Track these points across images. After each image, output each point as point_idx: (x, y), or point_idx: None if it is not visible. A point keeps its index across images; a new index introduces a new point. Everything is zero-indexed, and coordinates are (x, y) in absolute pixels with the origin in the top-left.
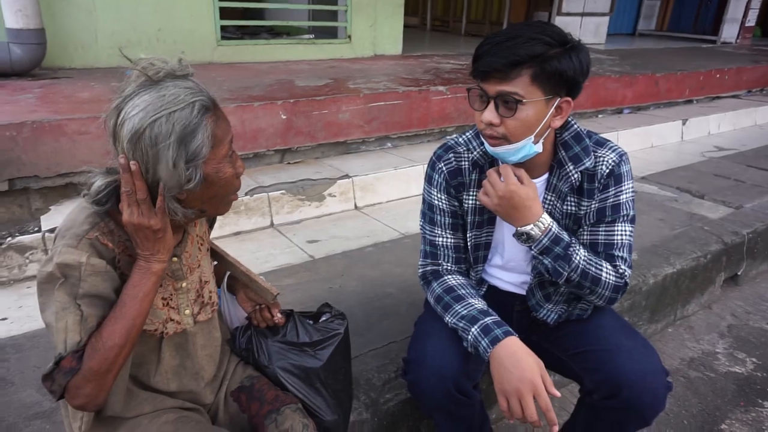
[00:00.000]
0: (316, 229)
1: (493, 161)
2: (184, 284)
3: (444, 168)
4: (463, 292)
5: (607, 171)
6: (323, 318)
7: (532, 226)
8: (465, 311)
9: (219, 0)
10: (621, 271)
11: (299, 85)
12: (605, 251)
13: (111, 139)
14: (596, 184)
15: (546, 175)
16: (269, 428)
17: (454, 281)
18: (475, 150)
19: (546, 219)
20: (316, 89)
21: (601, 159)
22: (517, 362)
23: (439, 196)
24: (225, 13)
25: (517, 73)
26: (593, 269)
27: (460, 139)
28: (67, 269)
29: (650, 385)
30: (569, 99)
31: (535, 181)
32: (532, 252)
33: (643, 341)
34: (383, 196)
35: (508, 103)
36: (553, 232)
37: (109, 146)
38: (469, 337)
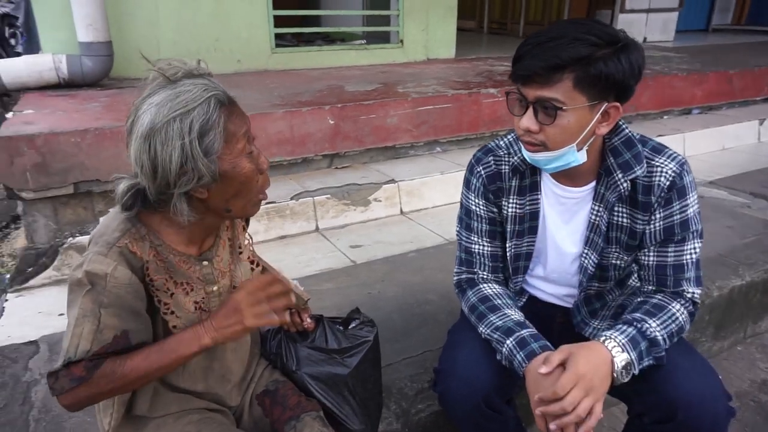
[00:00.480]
0: (360, 234)
1: (534, 168)
2: (215, 288)
3: (483, 172)
4: (499, 302)
5: (668, 183)
6: (352, 324)
7: (618, 371)
8: (500, 322)
9: (273, 9)
10: (689, 296)
11: (348, 90)
12: (674, 275)
13: (126, 138)
14: (653, 198)
15: (593, 184)
16: None
17: (489, 290)
18: (516, 154)
19: (615, 353)
20: (365, 94)
21: (659, 169)
22: (554, 380)
23: (476, 201)
24: (280, 21)
25: (559, 78)
26: (672, 325)
27: (501, 143)
28: (95, 278)
29: (710, 409)
30: (618, 104)
31: (580, 189)
32: (635, 371)
33: (702, 360)
34: (429, 201)
35: (548, 110)
36: (624, 343)
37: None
38: (504, 349)
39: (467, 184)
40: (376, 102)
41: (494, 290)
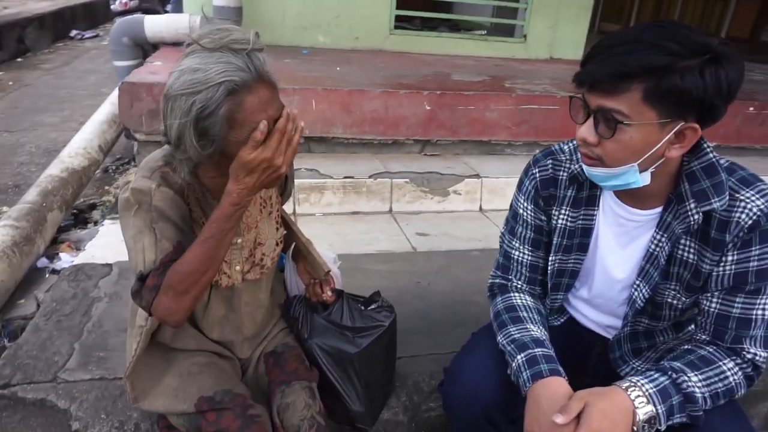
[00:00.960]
0: (431, 223)
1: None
2: (239, 240)
3: (537, 175)
4: (525, 314)
5: (750, 222)
6: (372, 306)
7: (639, 424)
8: (518, 335)
9: None
10: (749, 356)
11: (453, 79)
12: (736, 329)
13: None
14: (729, 236)
15: (659, 209)
16: (276, 397)
17: (519, 300)
18: (578, 162)
19: (638, 404)
20: (468, 84)
21: (743, 204)
22: (555, 407)
23: (525, 204)
24: (403, 3)
25: (625, 88)
26: (719, 384)
27: (566, 147)
28: (140, 195)
29: None
30: (697, 126)
31: (644, 213)
32: (660, 426)
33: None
34: None
35: (609, 122)
36: (652, 394)
37: None
38: (513, 364)
39: (519, 185)
40: (477, 94)
41: (524, 301)
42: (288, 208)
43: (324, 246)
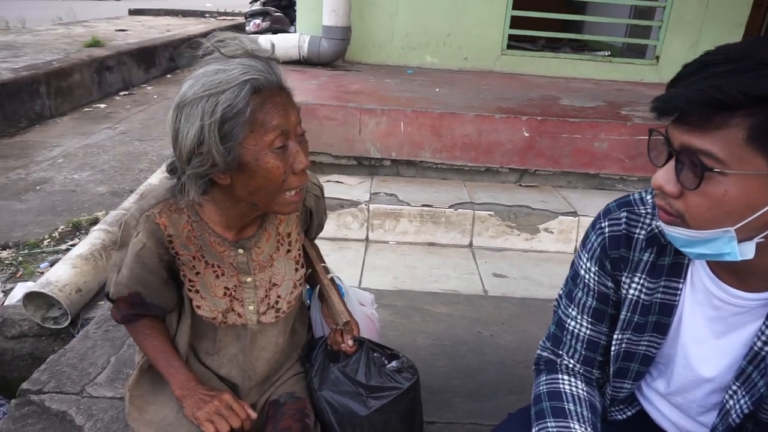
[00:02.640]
0: (513, 264)
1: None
2: (248, 279)
3: (606, 229)
4: (571, 407)
5: None
6: (392, 364)
7: None
8: (555, 431)
9: (513, 9)
10: None
11: (561, 104)
12: None
13: None
14: None
15: None
16: None
17: (568, 386)
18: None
19: None
20: (577, 110)
21: None
22: None
23: (587, 265)
24: (519, 22)
25: (722, 123)
26: None
27: (648, 197)
28: (125, 239)
29: None
30: None
31: (749, 296)
32: None
33: None
34: None
35: (696, 167)
36: None
37: None
38: None
39: (584, 240)
40: (585, 121)
41: (574, 389)
42: (360, 233)
43: (388, 279)
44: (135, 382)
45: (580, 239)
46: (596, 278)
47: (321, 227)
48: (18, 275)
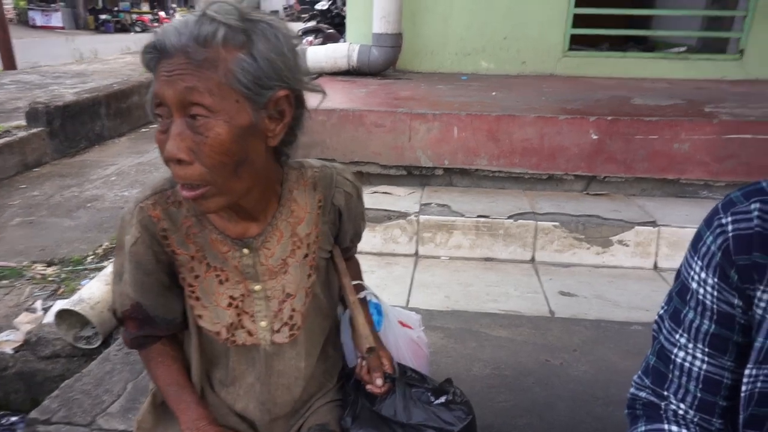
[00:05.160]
0: (582, 281)
1: None
2: (257, 287)
3: (730, 227)
4: None
5: None
6: (440, 399)
7: None
8: None
9: (575, 6)
10: None
11: (633, 103)
12: None
13: None
14: None
15: None
16: None
17: None
18: None
19: None
20: (652, 109)
21: None
22: None
23: (702, 276)
24: (582, 20)
25: None
26: None
27: None
28: (120, 236)
29: None
30: None
31: None
32: None
33: None
34: None
35: None
36: None
37: None
38: None
39: (695, 242)
40: (662, 120)
41: None
42: (409, 248)
43: (439, 297)
44: (145, 414)
45: (660, 253)
46: (716, 293)
47: (358, 236)
48: (59, 292)
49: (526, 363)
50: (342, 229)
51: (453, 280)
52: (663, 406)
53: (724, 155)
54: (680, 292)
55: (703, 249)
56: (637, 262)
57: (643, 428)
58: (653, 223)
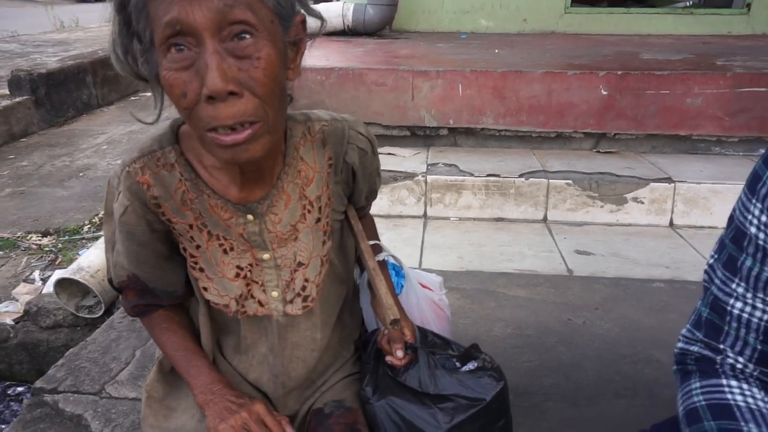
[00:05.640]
0: (597, 239)
1: None
2: (266, 256)
3: None
4: (753, 430)
5: None
6: (467, 366)
7: None
8: None
9: None
10: None
11: (642, 58)
12: None
13: None
14: None
15: None
16: None
17: (740, 397)
18: None
19: None
20: (662, 63)
21: None
22: None
23: (763, 219)
24: None
25: None
26: None
27: None
28: (108, 202)
29: None
30: None
31: None
32: None
33: None
34: (718, 217)
35: None
36: None
37: None
38: None
39: (753, 184)
40: (674, 74)
41: (750, 401)
42: (417, 209)
43: (452, 258)
44: (153, 380)
45: (676, 210)
46: None
47: (373, 194)
48: (57, 262)
49: (548, 322)
50: (356, 189)
51: (464, 241)
52: (719, 360)
53: (737, 109)
54: (735, 238)
55: (763, 190)
56: (652, 220)
57: (697, 384)
58: (669, 180)
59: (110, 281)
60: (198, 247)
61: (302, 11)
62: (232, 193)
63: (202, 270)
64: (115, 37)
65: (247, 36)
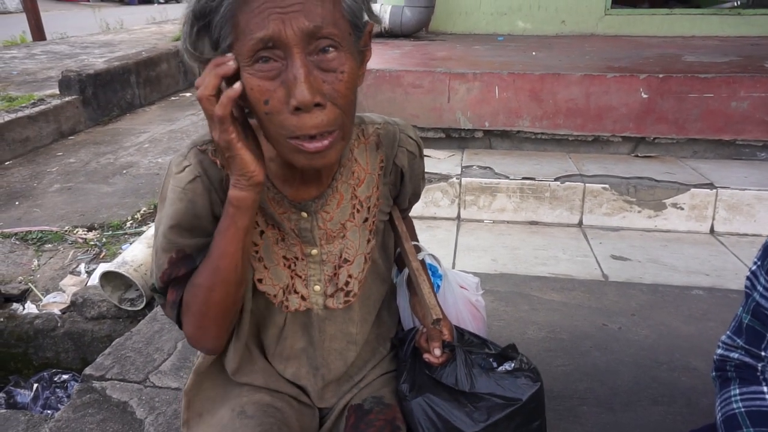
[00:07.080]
0: (634, 245)
1: None
2: (314, 252)
3: None
4: None
5: None
6: (504, 367)
7: None
8: None
9: None
10: None
11: (685, 60)
12: None
13: None
14: None
15: None
16: None
17: None
18: None
19: None
20: (706, 66)
21: None
22: None
23: None
24: None
25: None
26: None
27: None
28: (166, 185)
29: None
30: None
31: None
32: None
33: None
34: (762, 224)
35: None
36: None
37: None
38: None
39: None
40: (719, 77)
41: None
42: (451, 211)
43: (485, 261)
44: (193, 385)
45: (718, 217)
46: None
47: (417, 196)
48: (101, 256)
49: (583, 327)
50: (403, 191)
51: (498, 244)
52: (760, 368)
53: None
54: None
55: None
56: (692, 226)
57: (737, 391)
58: (711, 186)
59: (153, 288)
60: (262, 233)
61: (370, 20)
62: (287, 190)
63: (260, 259)
64: (186, 37)
65: (332, 49)
